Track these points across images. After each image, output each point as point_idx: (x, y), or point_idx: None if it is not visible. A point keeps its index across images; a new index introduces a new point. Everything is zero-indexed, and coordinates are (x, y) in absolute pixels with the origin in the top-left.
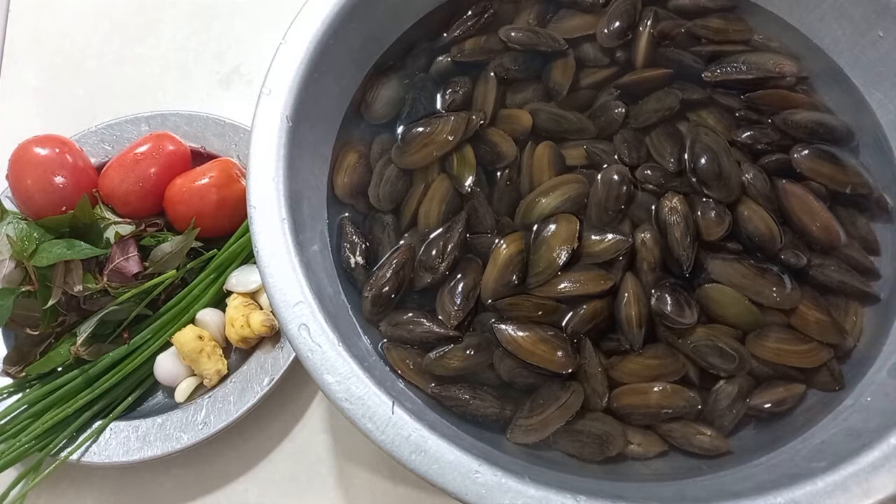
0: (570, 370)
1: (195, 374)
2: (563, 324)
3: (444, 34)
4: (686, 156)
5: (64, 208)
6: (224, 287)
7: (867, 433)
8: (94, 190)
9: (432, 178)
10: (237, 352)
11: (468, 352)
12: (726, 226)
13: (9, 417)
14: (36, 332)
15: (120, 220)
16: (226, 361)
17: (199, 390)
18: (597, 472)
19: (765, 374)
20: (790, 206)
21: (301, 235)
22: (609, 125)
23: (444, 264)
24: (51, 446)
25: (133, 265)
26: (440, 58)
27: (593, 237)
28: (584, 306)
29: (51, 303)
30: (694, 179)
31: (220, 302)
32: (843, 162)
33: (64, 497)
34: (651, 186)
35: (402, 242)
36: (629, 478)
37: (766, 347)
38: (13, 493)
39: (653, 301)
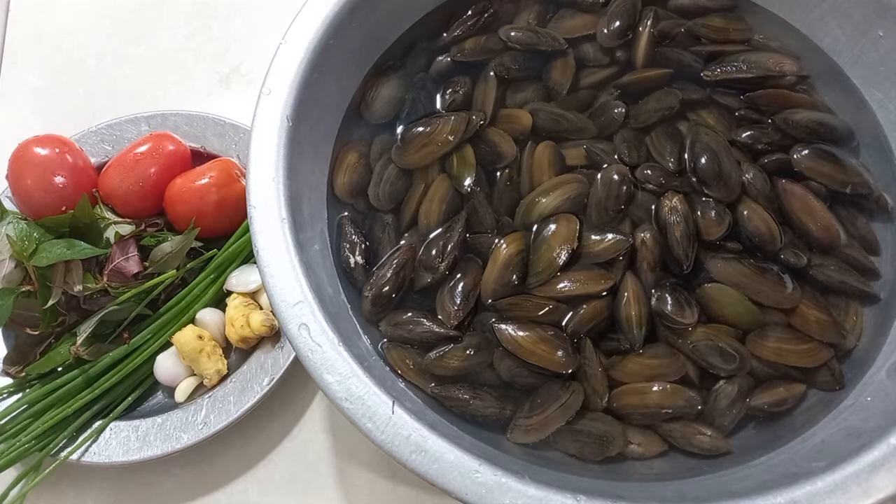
0: (570, 370)
1: (195, 374)
2: (564, 324)
3: (444, 34)
4: (686, 155)
5: (64, 208)
6: (224, 287)
7: (867, 433)
8: (94, 190)
9: (432, 177)
10: (237, 352)
11: (468, 352)
12: (726, 225)
13: (9, 417)
14: (36, 332)
15: (120, 220)
16: (226, 361)
17: (199, 390)
18: (597, 472)
19: (765, 373)
20: (790, 205)
21: (301, 235)
22: (609, 125)
23: (444, 264)
24: (51, 446)
25: (133, 265)
26: (440, 57)
27: (593, 237)
28: (584, 306)
29: (51, 303)
30: (694, 179)
31: (220, 302)
32: (843, 162)
33: (64, 497)
34: (651, 186)
35: (402, 242)
36: (629, 478)
37: (766, 347)
38: (13, 493)
39: (653, 301)
